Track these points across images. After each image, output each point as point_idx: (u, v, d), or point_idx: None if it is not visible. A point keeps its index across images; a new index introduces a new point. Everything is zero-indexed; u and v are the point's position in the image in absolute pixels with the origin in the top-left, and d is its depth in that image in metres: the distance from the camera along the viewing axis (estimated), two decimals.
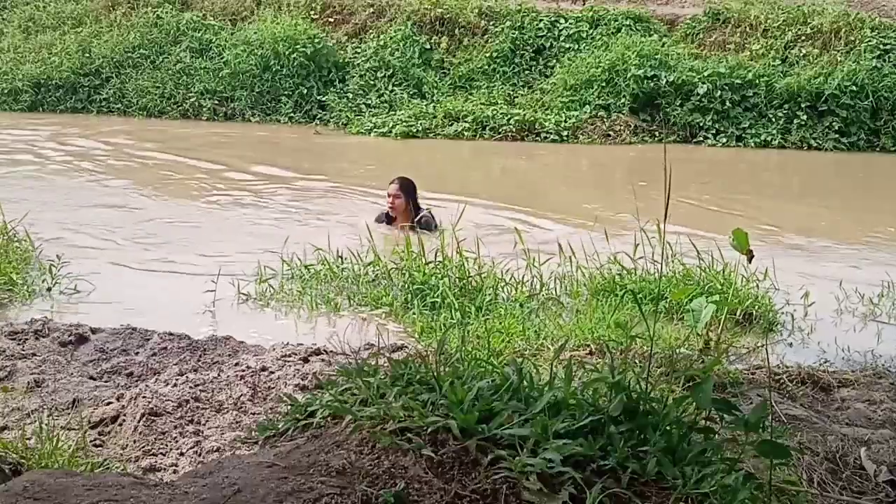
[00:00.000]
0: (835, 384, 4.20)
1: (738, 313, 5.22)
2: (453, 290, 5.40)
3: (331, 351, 4.42)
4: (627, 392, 2.57)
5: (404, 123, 13.00)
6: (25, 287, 5.75)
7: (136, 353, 4.61)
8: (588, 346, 4.49)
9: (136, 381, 4.20)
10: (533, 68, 14.33)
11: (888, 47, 13.29)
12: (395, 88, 14.02)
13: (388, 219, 7.41)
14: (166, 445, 3.37)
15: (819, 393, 4.13)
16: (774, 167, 12.15)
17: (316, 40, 14.33)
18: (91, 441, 3.41)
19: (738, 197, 10.09)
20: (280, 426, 2.79)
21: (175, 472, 3.16)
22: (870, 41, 13.30)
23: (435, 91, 13.97)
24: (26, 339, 4.70)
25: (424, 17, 14.81)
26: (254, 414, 3.59)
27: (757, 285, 5.66)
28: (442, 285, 5.44)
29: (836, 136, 12.76)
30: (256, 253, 6.61)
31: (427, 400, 2.55)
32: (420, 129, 12.98)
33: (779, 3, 14.38)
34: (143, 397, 3.64)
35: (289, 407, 2.89)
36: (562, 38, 14.40)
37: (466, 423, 2.41)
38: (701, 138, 12.88)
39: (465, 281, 5.59)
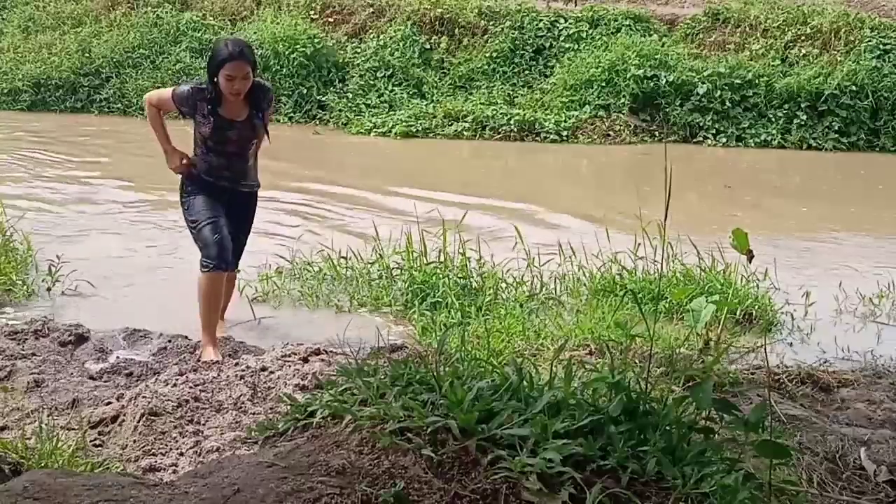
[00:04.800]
0: (835, 384, 4.20)
1: (738, 313, 5.23)
2: (454, 290, 5.40)
3: (331, 351, 4.42)
4: (627, 392, 2.57)
5: (404, 123, 13.01)
6: (25, 287, 5.75)
7: (136, 353, 4.61)
8: (588, 346, 4.49)
9: (136, 381, 4.20)
10: (533, 68, 14.34)
11: (888, 47, 13.29)
12: (394, 88, 14.03)
13: (209, 99, 4.62)
14: (166, 445, 3.37)
15: (819, 393, 4.13)
16: (774, 167, 12.15)
17: (316, 40, 14.33)
18: (91, 441, 3.41)
19: (738, 197, 10.09)
20: (280, 426, 2.79)
21: (175, 472, 3.16)
22: (870, 41, 13.30)
23: (435, 91, 13.98)
24: (26, 339, 4.71)
25: (424, 17, 14.81)
26: (254, 414, 3.59)
27: (757, 285, 5.67)
28: (443, 285, 5.45)
29: (836, 136, 12.76)
30: (257, 253, 6.62)
31: (427, 400, 2.55)
32: (420, 129, 12.98)
33: (779, 3, 14.38)
34: (143, 397, 3.64)
35: (289, 407, 2.89)
36: (562, 38, 14.40)
37: (466, 423, 2.41)
38: (701, 138, 12.89)
39: (466, 281, 5.59)
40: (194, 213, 4.71)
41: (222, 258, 4.63)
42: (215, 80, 4.54)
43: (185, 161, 4.77)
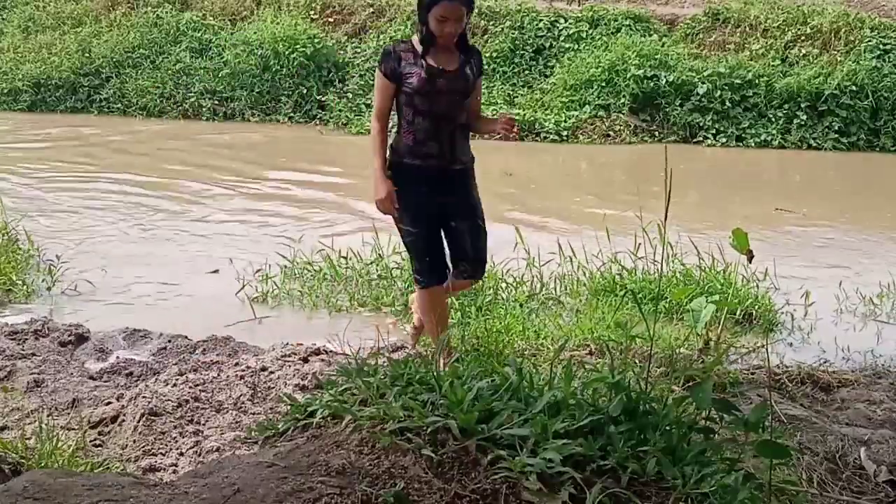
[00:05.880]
0: (835, 384, 4.21)
1: (738, 313, 5.23)
2: None
3: (331, 351, 4.42)
4: (627, 392, 2.57)
5: None
6: (25, 287, 5.75)
7: (136, 353, 4.62)
8: (588, 346, 4.50)
9: (136, 381, 4.21)
10: (533, 68, 14.33)
11: (888, 47, 13.28)
12: None
13: (417, 44, 4.24)
14: (166, 445, 3.38)
15: (819, 393, 4.14)
16: (774, 167, 12.15)
17: (316, 40, 14.33)
18: (91, 441, 3.41)
19: (738, 197, 10.09)
20: (280, 426, 2.79)
21: (175, 472, 3.16)
22: (870, 41, 13.30)
23: None
24: (26, 339, 4.71)
25: None
26: (254, 414, 3.59)
27: (757, 285, 5.67)
28: None
29: (836, 136, 12.75)
30: (258, 253, 6.62)
31: (427, 400, 2.55)
32: None
33: (779, 3, 14.38)
34: (143, 397, 3.64)
35: (289, 407, 2.89)
36: (562, 38, 14.40)
37: (466, 423, 2.41)
38: (701, 138, 12.88)
39: None
40: (405, 220, 4.16)
41: (433, 278, 4.20)
42: (426, 23, 4.11)
43: (395, 204, 4.08)
